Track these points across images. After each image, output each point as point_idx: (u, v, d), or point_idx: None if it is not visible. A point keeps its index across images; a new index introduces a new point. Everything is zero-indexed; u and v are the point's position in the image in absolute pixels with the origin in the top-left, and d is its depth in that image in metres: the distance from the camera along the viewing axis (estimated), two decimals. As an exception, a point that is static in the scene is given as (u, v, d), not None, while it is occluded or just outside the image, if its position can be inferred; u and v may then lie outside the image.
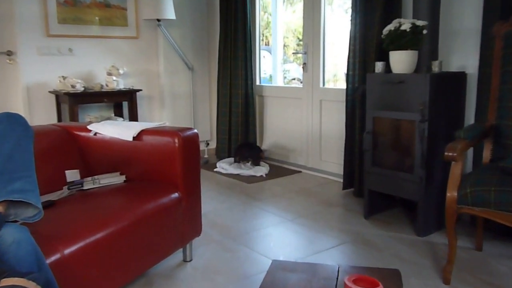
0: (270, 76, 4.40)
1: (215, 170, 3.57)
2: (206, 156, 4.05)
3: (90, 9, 3.34)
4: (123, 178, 1.88)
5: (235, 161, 3.57)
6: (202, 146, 3.92)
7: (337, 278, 1.20)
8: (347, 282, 1.10)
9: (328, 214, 2.60)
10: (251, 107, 3.85)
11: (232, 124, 3.86)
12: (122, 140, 1.89)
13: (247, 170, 3.40)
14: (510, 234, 2.13)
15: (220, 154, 3.92)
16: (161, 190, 1.76)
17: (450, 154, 1.73)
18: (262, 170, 3.46)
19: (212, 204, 2.80)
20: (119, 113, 3.60)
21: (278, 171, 3.58)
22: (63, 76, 3.27)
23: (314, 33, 3.37)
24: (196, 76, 4.06)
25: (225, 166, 3.56)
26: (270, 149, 3.95)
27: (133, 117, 3.44)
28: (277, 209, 2.69)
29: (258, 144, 4.00)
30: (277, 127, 3.87)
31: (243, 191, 3.07)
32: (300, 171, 3.54)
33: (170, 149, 1.79)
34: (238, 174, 3.42)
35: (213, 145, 4.15)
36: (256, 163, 3.40)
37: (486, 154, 1.97)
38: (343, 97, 3.06)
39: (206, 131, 4.17)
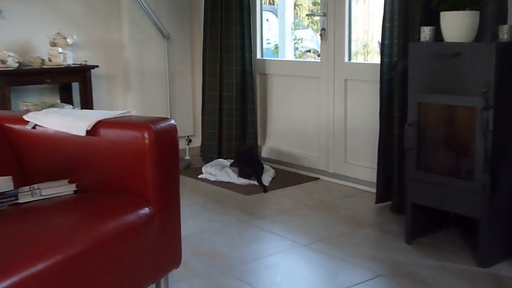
0: (276, 47, 4.40)
1: (200, 176, 3.62)
2: (187, 157, 4.04)
3: (27, -46, 3.41)
4: (73, 187, 1.89)
5: (231, 165, 3.61)
6: (182, 144, 3.93)
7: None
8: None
9: (356, 237, 2.62)
10: (249, 89, 3.87)
11: (223, 113, 3.87)
12: (71, 135, 1.90)
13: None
14: None
15: (207, 154, 3.95)
16: (126, 204, 1.77)
17: (525, 153, 1.75)
18: (264, 176, 3.51)
19: (196, 223, 2.81)
20: (67, 99, 3.57)
21: (287, 177, 3.60)
22: (-11, 48, 3.29)
23: (337, -12, 3.43)
24: (174, 48, 4.05)
25: (214, 171, 3.60)
26: (276, 148, 3.97)
27: (87, 103, 3.43)
28: (285, 230, 2.71)
29: (259, 142, 4.03)
30: (286, 118, 3.88)
31: (239, 205, 3.09)
32: (318, 178, 3.58)
33: (138, 148, 1.80)
34: (231, 182, 3.46)
35: (197, 142, 4.16)
36: (241, 175, 3.45)
37: None
38: (376, 76, 3.06)
39: (188, 123, 4.18)
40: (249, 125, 3.89)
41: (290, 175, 3.65)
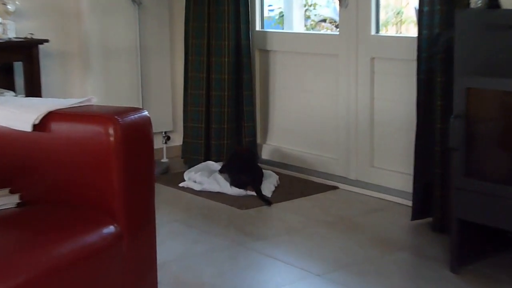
0: (281, 16, 4.40)
1: (181, 185, 3.64)
2: (164, 160, 4.08)
3: None
4: (16, 199, 1.89)
5: (221, 171, 3.63)
6: (158, 143, 3.92)
7: None
8: None
9: (387, 264, 2.62)
10: (246, 71, 3.87)
11: (212, 102, 3.89)
12: (13, 131, 1.88)
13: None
14: None
15: (191, 156, 3.98)
16: (85, 221, 1.76)
17: None
18: (265, 185, 3.51)
19: (176, 246, 2.82)
20: (7, 83, 3.56)
21: (295, 186, 3.62)
22: None
23: None
24: (148, 17, 4.06)
25: (199, 177, 3.62)
26: (281, 148, 3.97)
27: (34, 89, 3.41)
28: (293, 256, 2.71)
29: (259, 139, 4.04)
30: (294, 108, 3.88)
31: (233, 223, 3.10)
32: (336, 187, 3.60)
33: (100, 148, 1.79)
34: (222, 193, 3.49)
35: (177, 140, 4.20)
36: (235, 185, 3.49)
37: None
38: (412, 53, 3.05)
39: (165, 115, 4.20)
40: (245, 118, 3.89)
41: (299, 183, 3.66)
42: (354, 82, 3.51)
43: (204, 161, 3.87)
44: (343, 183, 3.59)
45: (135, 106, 2.01)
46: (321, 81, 3.71)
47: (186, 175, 3.67)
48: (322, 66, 3.68)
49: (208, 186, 3.54)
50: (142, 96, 4.03)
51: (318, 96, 3.73)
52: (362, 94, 3.48)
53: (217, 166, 3.74)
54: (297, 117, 3.87)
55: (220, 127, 3.87)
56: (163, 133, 4.09)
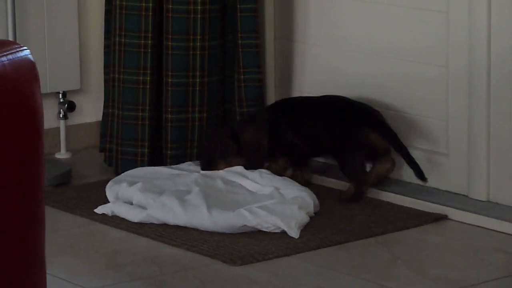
0: None
1: (100, 211, 3.86)
2: (63, 154, 4.20)
3: None
4: None
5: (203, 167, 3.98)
6: (50, 119, 3.97)
7: None
8: None
9: None
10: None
11: (170, 28, 4.19)
12: None
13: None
14: None
15: (120, 148, 3.96)
16: None
17: None
18: (287, 210, 3.62)
19: None
20: None
21: (356, 215, 3.79)
22: None
23: None
24: None
25: (140, 195, 3.73)
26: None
27: None
28: None
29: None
30: (348, 44, 3.98)
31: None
32: (443, 217, 3.77)
33: None
34: (191, 227, 3.65)
35: (89, 112, 4.39)
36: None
37: None
38: None
39: (66, 56, 4.40)
40: (241, 60, 4.13)
41: (364, 209, 3.84)
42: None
43: (149, 159, 3.94)
44: (461, 209, 3.70)
45: (3, 39, 1.93)
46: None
47: (110, 190, 3.82)
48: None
49: (160, 213, 3.61)
50: (15, 17, 4.15)
51: (401, 17, 3.83)
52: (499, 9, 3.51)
53: (187, 167, 3.95)
54: (355, 62, 3.98)
55: (185, 82, 3.83)
56: (60, 95, 4.18)
